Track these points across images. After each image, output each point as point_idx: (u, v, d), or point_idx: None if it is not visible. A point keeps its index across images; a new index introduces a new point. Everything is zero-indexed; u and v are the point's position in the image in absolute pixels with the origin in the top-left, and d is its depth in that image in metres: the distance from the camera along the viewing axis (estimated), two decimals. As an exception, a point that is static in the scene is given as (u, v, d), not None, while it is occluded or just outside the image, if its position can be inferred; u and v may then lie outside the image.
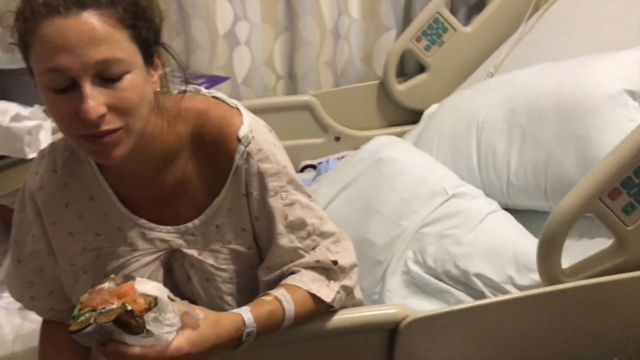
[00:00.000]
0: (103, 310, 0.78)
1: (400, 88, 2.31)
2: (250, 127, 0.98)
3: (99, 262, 1.03)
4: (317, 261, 1.03)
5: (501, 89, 1.74)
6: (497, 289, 1.35)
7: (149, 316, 0.79)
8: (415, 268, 1.45)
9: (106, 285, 0.83)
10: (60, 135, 1.60)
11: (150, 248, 1.02)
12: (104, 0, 0.83)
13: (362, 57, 2.36)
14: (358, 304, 1.15)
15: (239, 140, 0.97)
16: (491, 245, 1.40)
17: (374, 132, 2.32)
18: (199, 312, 0.88)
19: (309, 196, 1.05)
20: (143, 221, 1.02)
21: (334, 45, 2.29)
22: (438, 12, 2.22)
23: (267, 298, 0.98)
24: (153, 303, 0.79)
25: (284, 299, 0.98)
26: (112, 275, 0.86)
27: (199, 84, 2.00)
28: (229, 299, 1.05)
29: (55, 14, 0.80)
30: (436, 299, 1.41)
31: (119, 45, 0.83)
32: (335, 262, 1.04)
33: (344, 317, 1.10)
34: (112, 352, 0.79)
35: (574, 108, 1.50)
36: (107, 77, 0.83)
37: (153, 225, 1.02)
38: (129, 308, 0.77)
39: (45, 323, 1.17)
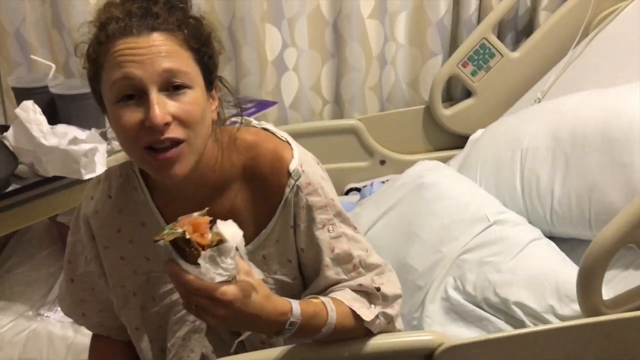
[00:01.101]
0: (172, 231, 0.82)
1: (446, 113, 2.32)
2: (300, 160, 1.00)
3: (149, 286, 1.07)
4: (360, 285, 1.04)
5: (546, 115, 1.73)
6: (538, 318, 1.33)
7: (207, 252, 0.82)
8: (454, 295, 1.44)
9: (196, 214, 0.86)
10: (115, 157, 1.69)
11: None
12: (172, 24, 0.90)
13: (408, 82, 2.38)
14: None
15: (289, 174, 0.99)
16: (532, 274, 1.39)
17: (419, 156, 2.33)
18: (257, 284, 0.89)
19: (355, 228, 1.07)
20: None
21: (380, 71, 2.32)
22: (485, 38, 2.22)
23: (314, 300, 0.99)
24: (214, 243, 0.82)
25: (329, 306, 0.98)
26: (206, 208, 0.88)
27: (248, 109, 2.08)
28: None
29: (128, 34, 0.87)
30: (475, 327, 1.40)
31: (184, 61, 0.90)
32: (378, 289, 1.05)
33: (380, 341, 1.10)
34: (168, 270, 0.83)
35: (619, 136, 1.47)
36: (172, 88, 0.88)
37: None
38: (187, 237, 0.81)
39: (95, 337, 1.23)
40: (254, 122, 1.08)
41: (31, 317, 1.78)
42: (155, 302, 1.08)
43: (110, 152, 1.68)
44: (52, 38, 2.09)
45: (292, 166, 0.99)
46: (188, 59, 0.91)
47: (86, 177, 1.53)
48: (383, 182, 2.24)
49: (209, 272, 0.82)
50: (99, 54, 0.90)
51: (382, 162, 2.36)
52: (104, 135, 1.69)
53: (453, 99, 2.41)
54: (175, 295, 1.05)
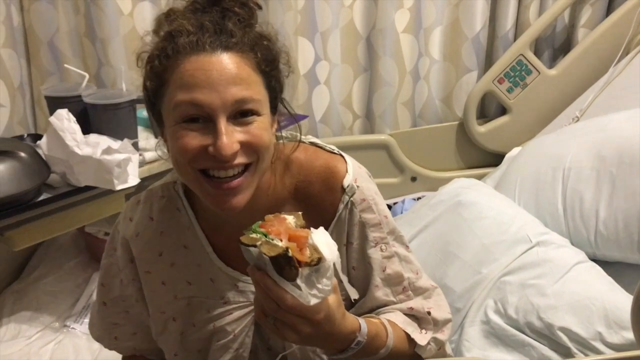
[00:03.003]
0: (270, 241, 0.76)
1: (480, 130, 2.27)
2: (355, 175, 0.95)
3: (189, 311, 1.02)
4: (411, 308, 0.99)
5: (589, 134, 1.67)
6: (585, 345, 1.27)
7: (305, 271, 0.76)
8: (495, 318, 1.39)
9: (290, 218, 0.81)
10: (146, 169, 1.67)
11: (242, 301, 0.99)
12: (246, 45, 0.84)
13: (441, 98, 2.34)
14: None
15: (343, 189, 0.94)
16: (578, 298, 1.33)
17: (451, 173, 2.29)
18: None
19: (407, 247, 1.02)
20: (237, 273, 0.99)
21: (413, 86, 2.29)
22: (522, 54, 2.18)
23: (373, 320, 0.93)
24: (315, 262, 0.76)
25: (388, 328, 0.94)
26: (300, 212, 0.83)
27: (281, 121, 2.05)
28: (320, 350, 1.00)
29: (200, 51, 0.81)
30: (517, 352, 1.34)
31: (256, 87, 0.84)
32: (428, 313, 1.00)
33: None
34: (259, 281, 0.77)
35: (671, 156, 1.42)
36: (241, 116, 0.83)
37: (246, 277, 0.98)
38: (290, 254, 0.75)
39: (127, 357, 1.18)
40: (301, 137, 1.03)
41: (57, 328, 1.76)
42: (195, 328, 1.02)
43: (142, 163, 1.66)
44: (85, 48, 2.09)
45: (347, 181, 0.94)
46: (259, 84, 0.85)
47: (118, 187, 1.51)
48: (415, 200, 2.19)
49: (306, 293, 0.77)
50: (165, 68, 0.83)
51: (414, 179, 2.32)
52: (136, 146, 1.67)
53: (487, 115, 2.37)
54: (219, 323, 1.00)
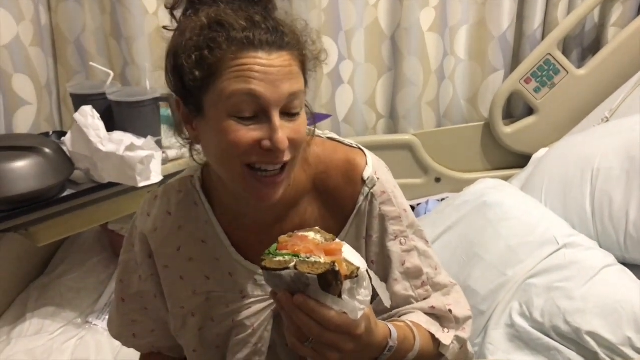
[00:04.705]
0: (307, 260, 0.74)
1: (506, 130, 2.24)
2: (375, 167, 0.95)
3: (208, 306, 1.01)
4: (432, 307, 0.97)
5: (619, 134, 1.63)
6: (614, 350, 1.23)
7: (346, 284, 0.74)
8: (520, 321, 1.36)
9: (311, 235, 0.79)
10: (169, 166, 1.67)
11: (260, 295, 0.98)
12: (296, 45, 0.85)
13: (467, 98, 2.30)
14: (471, 359, 1.07)
15: (363, 181, 0.94)
16: (607, 302, 1.29)
17: (476, 174, 2.26)
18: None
19: (427, 242, 1.01)
20: (255, 266, 0.98)
21: (438, 86, 2.26)
22: (549, 54, 2.13)
23: (399, 323, 0.92)
24: (355, 273, 0.74)
25: (415, 330, 0.92)
26: (317, 227, 0.82)
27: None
28: None
29: (258, 47, 0.81)
30: (543, 356, 1.31)
31: (302, 82, 0.86)
32: (450, 311, 0.98)
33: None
34: (301, 304, 0.75)
35: None
36: (290, 111, 0.84)
37: None
38: (337, 269, 0.72)
39: (145, 355, 1.18)
40: (318, 132, 1.03)
41: (80, 324, 1.77)
42: (214, 323, 1.01)
43: (164, 161, 1.66)
44: (111, 47, 2.11)
45: (367, 173, 0.94)
46: (302, 80, 0.86)
47: (141, 184, 1.51)
48: (439, 201, 2.16)
49: (355, 306, 0.75)
50: (217, 59, 0.81)
51: (438, 180, 2.29)
52: (159, 143, 1.68)
53: (514, 116, 2.32)
54: (237, 317, 0.99)
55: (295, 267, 0.73)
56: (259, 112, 0.82)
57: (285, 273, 0.74)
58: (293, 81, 0.83)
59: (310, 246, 0.76)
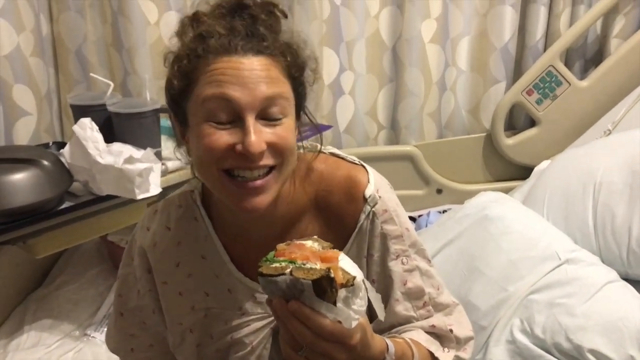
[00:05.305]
0: (304, 266, 0.73)
1: (508, 142, 2.23)
2: (377, 185, 0.93)
3: (206, 322, 1.00)
4: (433, 326, 0.96)
5: (621, 148, 1.62)
6: (616, 369, 1.22)
7: (342, 292, 0.74)
8: (521, 338, 1.34)
9: (309, 243, 0.79)
10: (168, 178, 1.66)
11: (260, 313, 0.97)
12: (276, 50, 0.84)
13: (468, 109, 2.30)
14: None
15: (365, 199, 0.92)
16: (609, 319, 1.28)
17: (478, 186, 2.25)
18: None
19: (429, 261, 0.99)
20: (255, 284, 0.97)
21: (440, 97, 2.25)
22: (552, 65, 2.13)
23: (398, 339, 0.91)
24: (351, 282, 0.74)
25: (413, 347, 0.90)
26: (315, 236, 0.81)
27: (304, 131, 2.04)
28: None
29: (232, 52, 0.81)
30: (544, 374, 1.30)
31: (284, 88, 0.84)
32: (450, 331, 0.97)
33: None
34: (295, 311, 0.74)
35: None
36: (269, 115, 0.82)
37: None
38: (332, 275, 0.72)
39: None
40: (322, 146, 1.02)
41: (78, 336, 1.75)
42: (212, 340, 1.00)
43: (164, 172, 1.65)
44: (112, 57, 2.10)
45: (369, 192, 0.92)
46: (287, 87, 0.85)
47: (140, 197, 1.50)
48: (440, 212, 2.15)
49: (349, 315, 0.74)
50: (195, 67, 0.83)
51: (439, 191, 2.28)
52: (158, 155, 1.67)
53: (516, 127, 2.32)
54: (237, 335, 0.98)
55: (291, 273, 0.73)
56: (235, 117, 0.81)
57: (280, 279, 0.73)
58: (271, 85, 0.82)
59: (307, 253, 0.75)
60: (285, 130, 0.83)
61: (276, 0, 0.88)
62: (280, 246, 0.78)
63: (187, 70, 0.84)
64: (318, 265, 0.74)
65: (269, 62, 0.82)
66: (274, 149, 0.83)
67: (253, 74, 0.81)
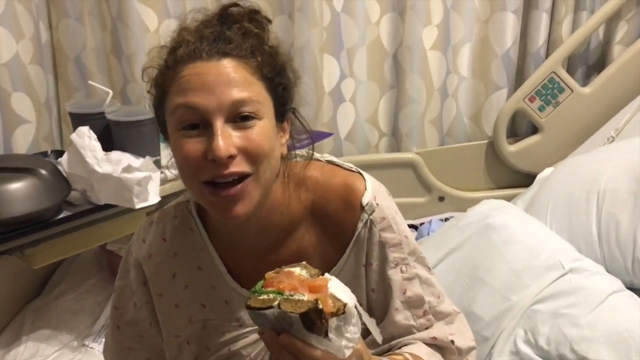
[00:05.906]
0: (291, 298, 0.72)
1: (510, 149, 2.21)
2: (374, 193, 0.91)
3: (204, 334, 0.98)
4: (434, 338, 0.94)
5: (625, 155, 1.61)
6: (622, 381, 1.20)
7: (333, 322, 0.72)
8: (525, 348, 1.32)
9: (297, 270, 0.77)
10: (167, 187, 1.65)
11: None
12: (245, 50, 0.83)
13: (470, 116, 2.28)
14: None
15: (362, 207, 0.90)
16: (615, 330, 1.26)
17: (480, 193, 2.23)
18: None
19: (429, 269, 0.97)
20: None
21: (441, 104, 2.24)
22: (554, 72, 2.11)
23: (398, 357, 0.89)
24: (341, 310, 0.72)
25: None
26: (304, 262, 0.80)
27: (302, 140, 2.02)
28: None
29: (197, 58, 0.81)
30: (549, 385, 1.28)
31: (255, 90, 0.82)
32: (452, 342, 0.95)
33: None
34: (287, 345, 0.73)
35: None
36: (240, 119, 0.80)
37: None
38: (320, 307, 0.70)
39: None
40: (317, 155, 1.00)
41: (76, 347, 1.73)
42: (210, 352, 0.99)
43: (163, 181, 1.64)
44: (111, 65, 2.09)
45: (366, 199, 0.90)
46: (259, 88, 0.83)
47: (138, 206, 1.49)
48: (442, 220, 2.13)
49: (340, 346, 0.72)
50: (165, 78, 0.84)
51: (441, 199, 2.27)
52: (157, 163, 1.66)
53: (518, 134, 2.30)
54: (234, 347, 0.96)
55: (279, 305, 0.71)
56: (205, 124, 0.81)
57: (269, 312, 0.72)
58: (239, 88, 0.80)
59: (295, 283, 0.73)
60: (258, 134, 0.81)
61: (264, 7, 0.88)
62: (269, 274, 0.77)
63: (159, 82, 0.85)
64: (306, 297, 0.72)
65: (236, 64, 0.82)
66: (247, 153, 0.81)
67: (219, 78, 0.80)
